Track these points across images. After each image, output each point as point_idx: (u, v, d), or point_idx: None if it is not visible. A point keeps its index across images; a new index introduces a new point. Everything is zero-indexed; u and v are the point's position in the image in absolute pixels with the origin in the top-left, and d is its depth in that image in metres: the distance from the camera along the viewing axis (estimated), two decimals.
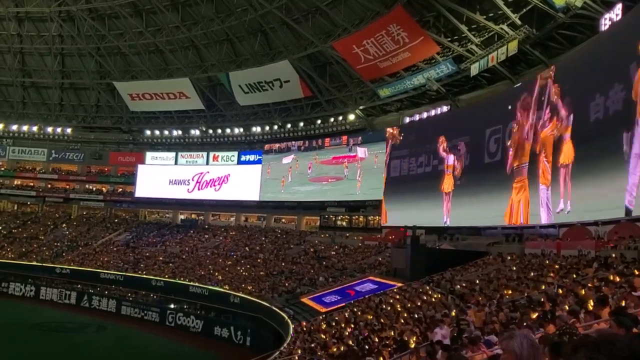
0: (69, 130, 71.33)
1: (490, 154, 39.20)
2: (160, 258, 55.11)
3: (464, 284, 25.56)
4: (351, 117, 55.43)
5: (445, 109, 46.61)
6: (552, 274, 20.73)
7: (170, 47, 59.63)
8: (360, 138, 55.51)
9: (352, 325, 24.17)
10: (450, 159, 43.58)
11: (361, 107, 54.38)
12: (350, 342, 20.33)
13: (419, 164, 47.46)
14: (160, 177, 67.98)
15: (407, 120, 50.37)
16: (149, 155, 69.67)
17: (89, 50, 63.05)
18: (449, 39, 43.51)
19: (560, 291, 15.06)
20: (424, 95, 48.43)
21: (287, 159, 60.98)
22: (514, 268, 25.66)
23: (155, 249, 58.90)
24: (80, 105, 71.41)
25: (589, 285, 14.45)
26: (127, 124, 70.65)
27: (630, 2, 28.16)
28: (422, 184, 46.00)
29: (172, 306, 46.63)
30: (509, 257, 29.37)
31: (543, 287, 18.30)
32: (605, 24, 29.79)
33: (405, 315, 22.29)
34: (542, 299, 14.60)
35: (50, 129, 70.98)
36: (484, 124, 39.95)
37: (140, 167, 69.53)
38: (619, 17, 28.59)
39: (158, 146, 70.26)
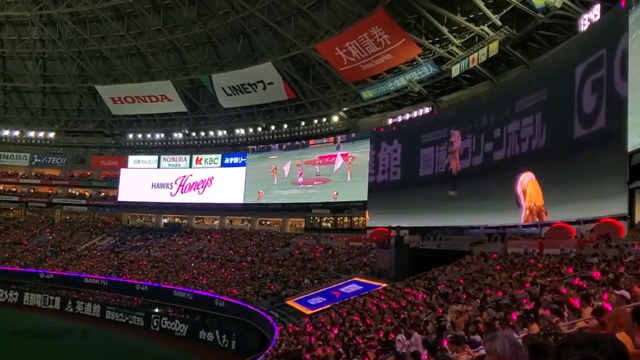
0: (51, 134, 70.73)
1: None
2: (144, 262, 54.80)
3: (447, 284, 25.70)
4: (335, 118, 55.54)
5: (427, 110, 46.91)
6: (534, 273, 20.92)
7: (152, 50, 59.34)
8: (353, 134, 54.90)
9: (338, 327, 24.21)
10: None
11: (344, 109, 54.50)
12: (336, 344, 20.37)
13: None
14: (143, 180, 67.58)
15: (390, 121, 50.58)
16: (132, 158, 69.26)
17: (71, 54, 62.58)
18: (430, 41, 43.77)
19: (544, 290, 15.21)
20: (406, 96, 48.67)
21: (271, 159, 60.82)
22: (497, 267, 25.84)
23: (138, 253, 58.53)
24: (62, 109, 70.84)
25: (572, 284, 14.62)
26: (109, 127, 70.19)
27: (608, 3, 28.57)
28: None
29: (156, 310, 46.40)
30: (491, 257, 29.58)
31: (526, 286, 18.47)
32: (584, 24, 30.16)
33: (390, 315, 22.38)
34: (526, 298, 14.75)
35: (32, 134, 70.37)
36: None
37: (123, 171, 69.08)
38: (598, 17, 28.97)
39: (140, 150, 69.86)
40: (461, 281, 25.25)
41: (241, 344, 37.50)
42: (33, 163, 71.89)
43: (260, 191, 60.93)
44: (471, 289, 22.18)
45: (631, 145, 23.56)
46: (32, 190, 72.36)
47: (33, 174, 72.30)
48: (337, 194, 54.94)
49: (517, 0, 34.54)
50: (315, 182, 57.40)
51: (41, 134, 70.55)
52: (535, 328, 8.71)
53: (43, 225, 69.08)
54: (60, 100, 70.29)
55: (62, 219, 70.84)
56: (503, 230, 35.44)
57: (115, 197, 69.50)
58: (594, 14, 29.39)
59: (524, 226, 33.71)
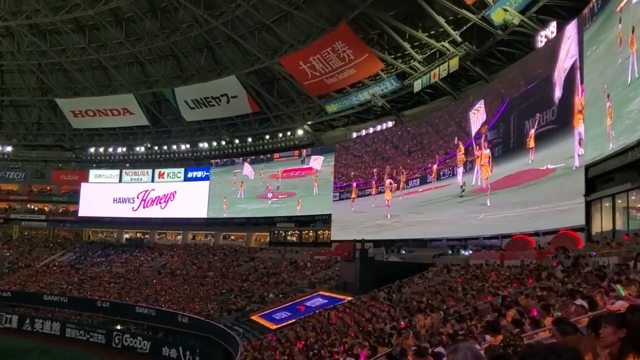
0: (9, 148, 69.15)
1: None
2: (105, 278, 53.82)
3: (411, 296, 25.91)
4: (299, 132, 55.63)
5: (390, 124, 47.41)
6: (496, 284, 21.26)
7: (114, 63, 58.63)
8: (318, 148, 54.99)
9: (302, 341, 24.16)
10: None
11: (309, 123, 54.67)
12: (301, 358, 20.33)
13: None
14: (104, 195, 66.39)
15: (354, 135, 50.97)
16: (93, 173, 68.07)
17: (30, 67, 61.45)
18: (393, 56, 44.35)
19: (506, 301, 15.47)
20: (370, 110, 49.12)
21: (236, 172, 60.43)
22: (460, 279, 26.19)
23: (100, 269, 57.48)
24: (20, 122, 69.39)
25: (533, 294, 14.90)
26: (69, 141, 68.98)
27: (563, 20, 29.46)
28: None
29: (118, 327, 45.56)
30: (454, 268, 29.96)
31: (488, 298, 18.75)
32: (541, 40, 31.04)
33: (355, 328, 22.45)
34: (488, 309, 14.99)
35: None
36: None
37: (83, 185, 67.82)
38: (554, 34, 29.84)
39: (102, 164, 68.74)
40: (424, 293, 25.50)
41: None
42: None
43: (225, 200, 60.49)
44: (434, 300, 22.43)
45: (587, 159, 24.26)
46: None
47: None
48: (300, 206, 54.98)
49: (477, 17, 35.33)
50: (280, 196, 57.27)
51: None
52: (497, 339, 8.86)
53: (0, 241, 67.27)
54: (19, 113, 68.88)
55: (20, 234, 69.15)
56: (465, 242, 35.96)
57: (76, 212, 68.10)
58: (551, 30, 30.29)
59: (485, 238, 34.26)
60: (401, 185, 44.71)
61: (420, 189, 42.53)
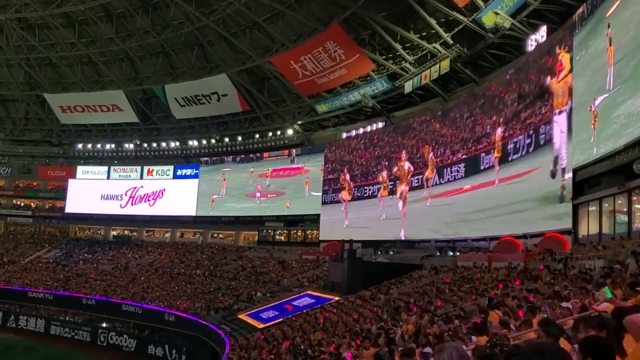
0: None
1: None
2: (92, 275, 53.50)
3: (399, 297, 25.97)
4: (289, 132, 55.59)
5: (380, 125, 47.46)
6: (483, 286, 21.36)
7: (104, 59, 58.29)
8: (308, 148, 54.75)
9: (289, 341, 24.14)
10: None
11: (299, 122, 54.65)
12: (287, 358, 20.31)
13: None
14: (92, 192, 65.96)
15: (344, 135, 50.99)
16: (80, 169, 67.66)
17: (18, 61, 60.94)
18: (384, 57, 44.40)
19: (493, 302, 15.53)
20: (360, 111, 49.15)
21: (224, 171, 60.31)
22: (447, 280, 26.28)
23: (86, 266, 57.14)
24: (8, 117, 68.86)
25: (520, 296, 14.98)
26: (57, 137, 68.54)
27: (554, 25, 29.65)
28: None
29: (104, 325, 45.32)
30: (442, 270, 30.07)
31: (475, 299, 18.83)
32: (531, 44, 31.23)
33: (342, 328, 22.46)
34: (475, 310, 15.05)
35: None
36: None
37: (71, 181, 67.37)
38: (544, 38, 30.04)
39: (90, 160, 68.41)
40: (411, 294, 25.54)
41: (191, 358, 36.94)
42: None
43: (212, 198, 60.32)
44: (422, 301, 22.48)
45: (575, 163, 24.39)
46: None
47: None
48: (289, 204, 54.87)
49: (468, 19, 35.48)
50: (269, 195, 57.18)
51: None
52: (484, 339, 8.89)
53: None
54: (7, 108, 68.33)
55: (5, 230, 68.61)
56: (453, 244, 36.08)
57: (63, 208, 67.65)
58: (541, 34, 30.48)
59: (473, 240, 34.40)
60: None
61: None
